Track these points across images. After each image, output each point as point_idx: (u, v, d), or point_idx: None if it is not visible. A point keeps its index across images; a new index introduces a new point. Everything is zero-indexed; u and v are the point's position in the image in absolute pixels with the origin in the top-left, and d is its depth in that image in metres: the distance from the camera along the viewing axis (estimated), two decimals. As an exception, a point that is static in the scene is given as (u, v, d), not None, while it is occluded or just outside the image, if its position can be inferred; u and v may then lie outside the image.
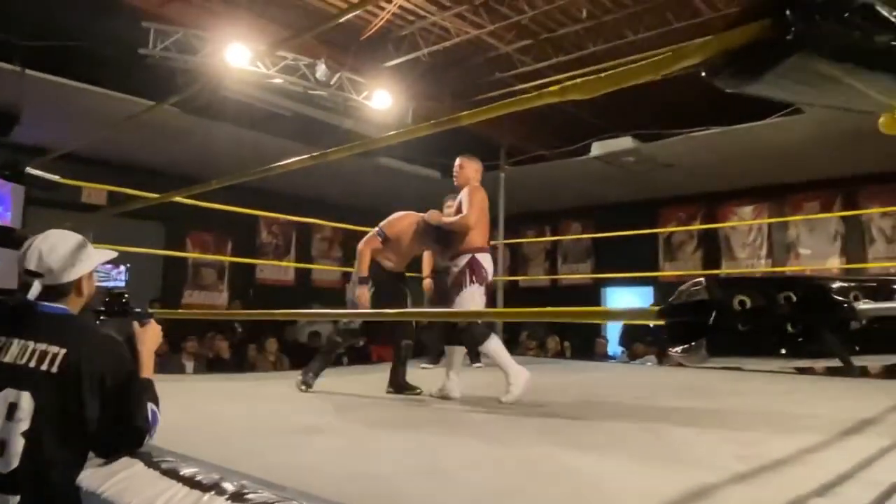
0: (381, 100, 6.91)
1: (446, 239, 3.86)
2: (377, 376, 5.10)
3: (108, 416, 1.65)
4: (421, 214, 4.03)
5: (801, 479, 2.00)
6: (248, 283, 9.53)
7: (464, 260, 3.73)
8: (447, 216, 3.99)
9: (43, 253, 1.73)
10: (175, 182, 4.71)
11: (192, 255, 8.83)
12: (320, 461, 2.20)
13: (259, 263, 9.52)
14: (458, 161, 4.04)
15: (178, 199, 3.77)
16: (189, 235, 8.99)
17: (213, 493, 1.72)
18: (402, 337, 4.08)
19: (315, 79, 6.40)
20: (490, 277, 3.84)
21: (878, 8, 0.89)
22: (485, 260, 3.77)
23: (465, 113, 1.50)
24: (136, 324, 1.95)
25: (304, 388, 3.87)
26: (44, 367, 1.62)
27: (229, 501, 1.67)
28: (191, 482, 1.80)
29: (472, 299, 3.68)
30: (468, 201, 3.78)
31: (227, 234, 9.28)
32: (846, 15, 0.87)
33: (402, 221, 4.04)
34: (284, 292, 9.76)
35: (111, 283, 2.10)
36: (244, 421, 2.98)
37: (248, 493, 1.68)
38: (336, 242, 10.71)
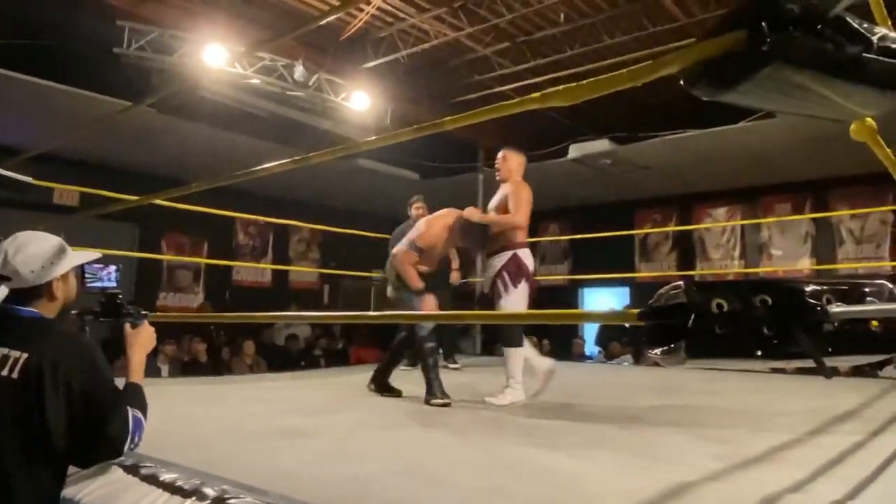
0: (360, 101, 6.89)
1: (487, 237, 3.81)
2: (356, 378, 5.09)
3: (77, 422, 1.54)
4: (451, 214, 3.96)
5: (776, 475, 2.05)
6: (225, 285, 9.43)
7: (505, 257, 3.66)
8: (489, 214, 3.86)
9: (8, 255, 1.67)
10: (149, 183, 4.65)
11: (166, 257, 8.71)
12: (302, 464, 2.19)
13: (236, 265, 9.43)
14: (501, 153, 3.95)
15: (155, 200, 3.72)
16: (164, 237, 8.86)
17: (194, 498, 1.71)
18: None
19: (293, 80, 6.36)
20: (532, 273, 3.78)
21: (849, 20, 0.92)
22: (526, 257, 3.73)
23: (448, 118, 1.52)
24: (127, 325, 1.86)
25: (443, 405, 3.56)
26: (4, 372, 1.54)
27: (211, 506, 1.67)
28: (171, 488, 1.79)
29: (517, 299, 3.62)
30: (515, 199, 3.70)
31: (203, 235, 9.17)
32: (819, 27, 0.89)
33: (433, 230, 3.94)
34: (262, 294, 9.68)
35: (100, 284, 2.03)
36: (224, 425, 2.96)
37: (229, 499, 1.67)
38: (314, 244, 10.64)
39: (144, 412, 1.67)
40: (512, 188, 3.77)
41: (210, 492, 1.72)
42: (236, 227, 9.67)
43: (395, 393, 3.94)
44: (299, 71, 6.26)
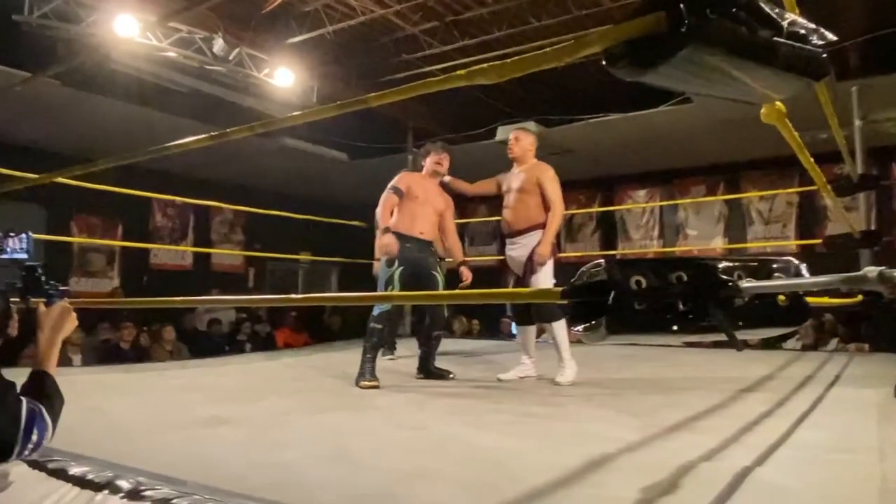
0: (284, 77, 6.68)
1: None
2: (283, 362, 5.00)
3: None
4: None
5: (690, 445, 2.15)
6: (142, 268, 9.02)
7: (536, 236, 3.75)
8: (547, 232, 3.80)
9: None
10: (56, 161, 4.36)
11: (77, 239, 8.23)
12: (223, 453, 2.13)
13: (153, 248, 9.02)
14: (512, 134, 4.01)
15: (61, 179, 3.50)
16: (74, 219, 8.37)
17: (106, 492, 1.62)
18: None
19: (212, 53, 6.09)
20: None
21: (762, 5, 0.95)
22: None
23: (372, 94, 1.48)
24: (41, 304, 1.58)
25: (371, 387, 3.54)
26: None
27: (125, 500, 1.59)
28: (81, 482, 1.69)
29: (548, 276, 3.71)
30: (551, 189, 3.78)
31: (117, 216, 8.71)
32: (734, 10, 0.92)
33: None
34: (182, 278, 9.32)
35: (7, 256, 1.76)
36: (140, 415, 2.83)
37: (145, 490, 1.60)
38: (238, 225, 10.31)
39: (52, 406, 1.40)
40: (542, 173, 3.84)
41: (124, 484, 1.63)
42: (153, 208, 9.24)
43: (445, 375, 3.90)
44: (219, 44, 5.99)
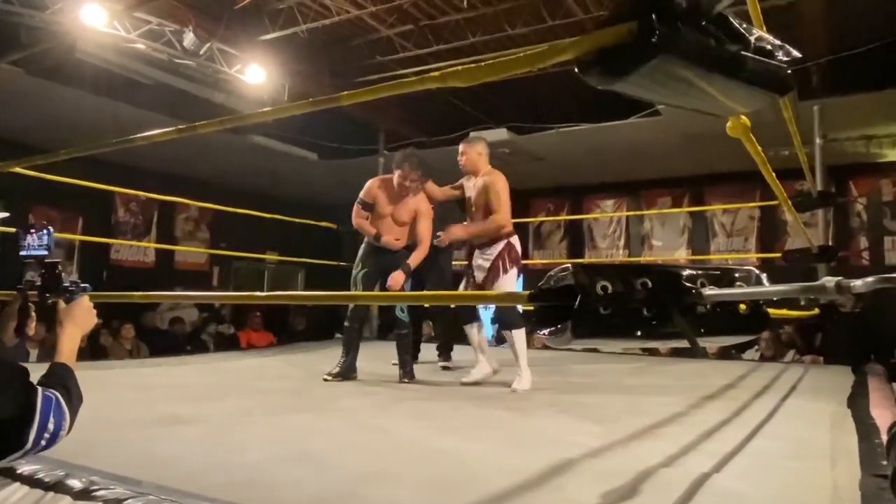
0: (255, 74, 6.59)
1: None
2: (245, 363, 4.93)
3: None
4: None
5: (650, 451, 2.18)
6: (102, 264, 8.79)
7: (499, 246, 3.79)
8: (473, 225, 3.94)
9: None
10: (14, 151, 4.23)
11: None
12: (180, 452, 2.08)
13: (114, 243, 8.80)
14: (460, 147, 4.00)
15: (18, 169, 3.40)
16: (32, 211, 8.11)
17: (55, 492, 1.57)
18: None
19: (182, 47, 5.98)
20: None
21: (731, 20, 0.97)
22: (517, 243, 3.90)
23: (344, 93, 1.47)
24: (60, 301, 1.59)
25: (338, 379, 3.81)
26: None
27: (75, 500, 1.54)
28: (30, 481, 1.64)
29: (511, 283, 3.77)
30: (495, 196, 3.78)
31: (77, 210, 8.48)
32: (704, 23, 0.93)
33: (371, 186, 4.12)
34: (144, 275, 9.11)
35: (25, 252, 1.67)
36: (95, 412, 2.72)
37: (97, 490, 1.56)
38: (203, 223, 10.13)
39: (69, 397, 1.36)
40: (490, 182, 3.85)
41: (75, 484, 1.59)
42: (116, 202, 9.03)
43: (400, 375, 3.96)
44: (189, 38, 5.88)
